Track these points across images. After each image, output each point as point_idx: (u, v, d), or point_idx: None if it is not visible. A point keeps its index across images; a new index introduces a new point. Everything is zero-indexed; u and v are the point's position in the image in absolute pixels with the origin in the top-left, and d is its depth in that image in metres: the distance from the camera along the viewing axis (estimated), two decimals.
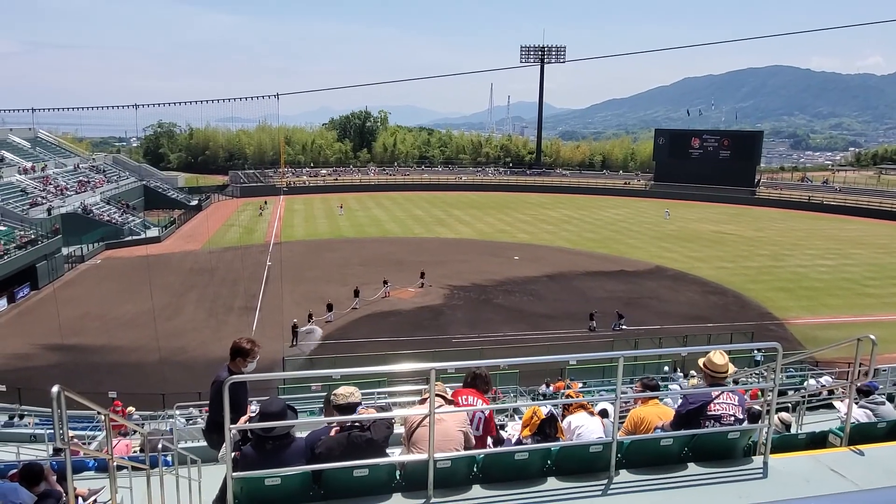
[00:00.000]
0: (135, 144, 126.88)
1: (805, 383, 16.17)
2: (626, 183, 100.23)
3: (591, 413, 5.70)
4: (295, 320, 31.89)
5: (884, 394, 10.17)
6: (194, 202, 77.67)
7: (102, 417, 7.96)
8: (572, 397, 6.06)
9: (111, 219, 58.49)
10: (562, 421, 5.60)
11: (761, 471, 4.84)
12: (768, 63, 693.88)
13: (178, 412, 16.47)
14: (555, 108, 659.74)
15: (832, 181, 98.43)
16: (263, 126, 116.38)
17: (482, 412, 5.15)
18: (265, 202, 76.80)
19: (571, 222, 67.73)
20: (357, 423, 4.49)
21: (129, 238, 55.64)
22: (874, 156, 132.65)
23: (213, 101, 57.32)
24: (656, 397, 6.09)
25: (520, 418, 6.07)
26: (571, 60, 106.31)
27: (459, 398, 5.22)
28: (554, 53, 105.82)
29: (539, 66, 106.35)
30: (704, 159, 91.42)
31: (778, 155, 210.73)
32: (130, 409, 17.74)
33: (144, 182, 79.38)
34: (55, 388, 3.86)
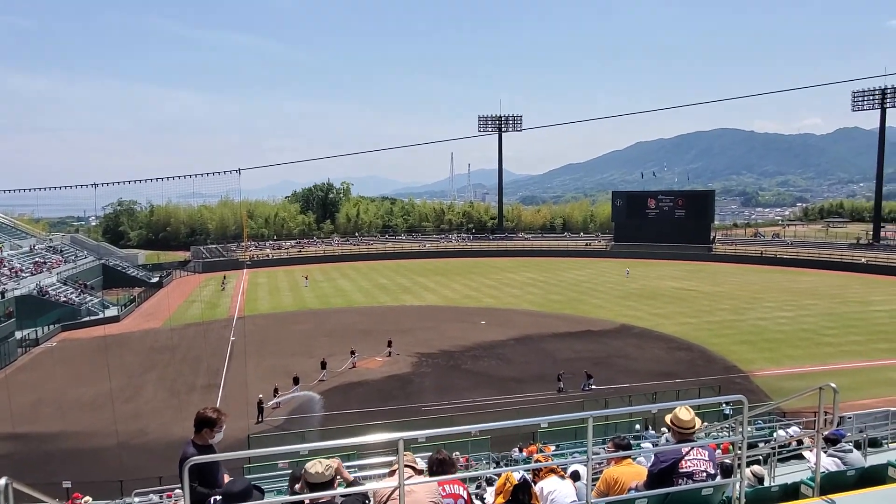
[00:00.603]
0: (94, 223, 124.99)
1: (774, 434, 16.25)
2: (587, 244, 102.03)
3: (563, 476, 5.64)
4: (260, 395, 31.03)
5: (850, 441, 10.28)
6: (155, 279, 76.24)
7: None
8: (541, 461, 6.01)
9: (68, 299, 56.91)
10: (534, 486, 5.52)
11: None
12: (714, 126, 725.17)
13: (136, 499, 15.70)
14: (514, 174, 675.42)
15: (783, 235, 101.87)
16: (226, 201, 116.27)
17: (462, 497, 5.03)
18: (224, 277, 75.77)
19: (536, 285, 68.27)
20: (329, 501, 4.36)
21: (87, 318, 54.08)
22: (821, 210, 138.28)
23: (174, 177, 56.95)
24: (629, 457, 6.05)
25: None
26: (528, 128, 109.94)
27: (444, 488, 5.02)
28: (511, 122, 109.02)
29: (497, 135, 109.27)
30: (661, 219, 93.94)
31: (730, 212, 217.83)
32: (87, 498, 16.85)
33: (103, 261, 77.89)
34: (2, 481, 3.67)
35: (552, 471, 5.63)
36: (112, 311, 56.68)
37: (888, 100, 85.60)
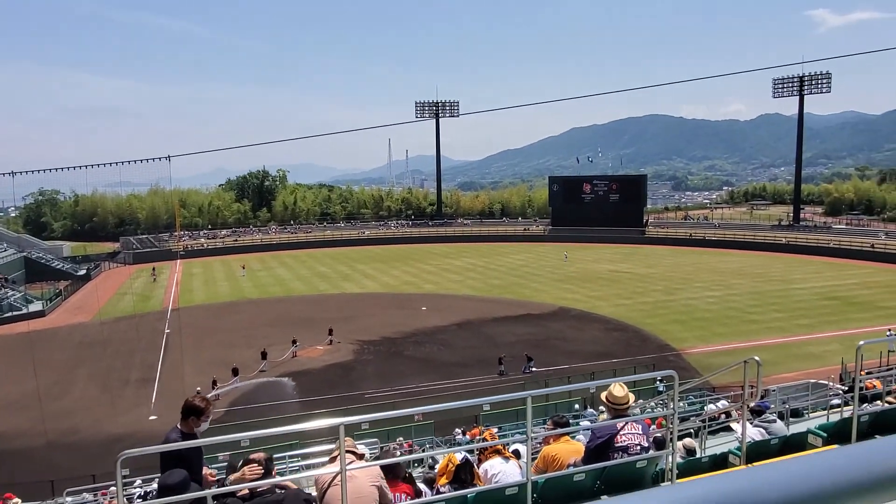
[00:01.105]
0: (13, 214, 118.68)
1: (704, 408, 16.97)
2: (525, 229, 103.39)
3: (507, 457, 5.74)
4: (198, 388, 30.30)
5: (774, 412, 10.86)
6: (82, 272, 73.06)
7: None
8: (488, 440, 6.11)
9: None
10: (478, 468, 5.62)
11: None
12: (645, 112, 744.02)
13: (69, 499, 15.16)
14: (452, 160, 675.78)
15: (711, 218, 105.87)
16: (156, 189, 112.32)
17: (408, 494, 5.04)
18: (153, 269, 72.88)
19: (476, 270, 68.86)
20: (268, 491, 4.33)
21: (9, 314, 51.41)
22: (745, 193, 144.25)
23: (99, 165, 54.63)
24: (566, 434, 6.22)
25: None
26: (465, 114, 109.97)
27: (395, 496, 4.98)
28: (448, 108, 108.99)
29: (434, 121, 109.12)
30: (596, 203, 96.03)
31: (661, 196, 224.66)
32: (16, 500, 16.12)
33: (25, 253, 74.15)
34: None
35: (497, 451, 5.73)
36: (36, 306, 54.11)
37: (806, 87, 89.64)
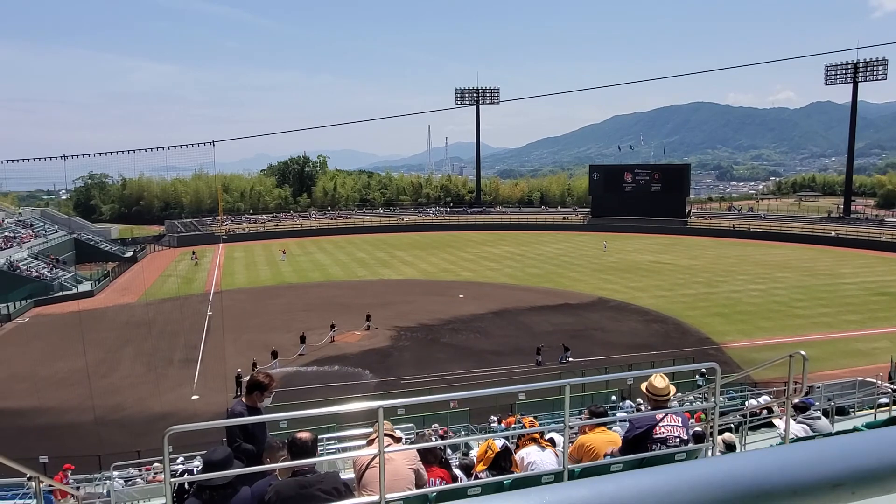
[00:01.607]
0: (64, 197, 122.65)
1: (745, 403, 16.67)
2: (564, 218, 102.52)
3: (543, 446, 5.71)
4: (239, 370, 30.99)
5: (819, 410, 10.59)
6: (129, 254, 75.21)
7: (33, 483, 7.51)
8: (526, 427, 6.09)
9: (40, 274, 56.03)
10: (515, 455, 5.62)
11: None
12: (690, 100, 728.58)
13: (115, 473, 15.67)
14: (492, 147, 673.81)
15: (757, 209, 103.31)
16: (200, 174, 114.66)
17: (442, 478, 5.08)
18: (193, 252, 73.59)
19: (514, 258, 68.62)
20: (308, 470, 4.39)
21: (60, 294, 53.28)
22: (793, 184, 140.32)
23: (146, 150, 55.99)
24: (603, 424, 6.17)
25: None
26: (505, 101, 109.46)
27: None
28: (488, 95, 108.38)
29: (475, 108, 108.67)
30: (637, 192, 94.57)
31: (705, 186, 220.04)
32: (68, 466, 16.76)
33: (75, 235, 76.59)
34: None
35: (532, 439, 5.71)
36: (86, 286, 55.89)
37: (860, 74, 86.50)
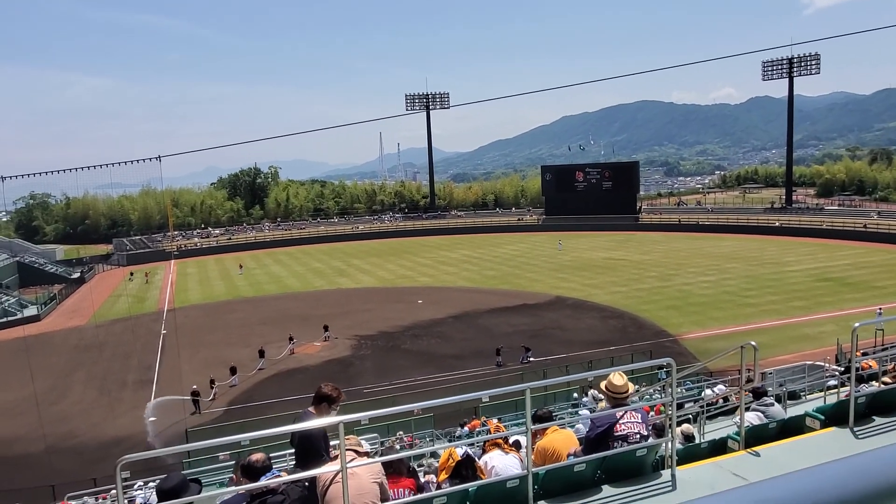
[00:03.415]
0: (4, 219, 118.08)
1: (702, 394, 17.07)
2: (519, 219, 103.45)
3: (506, 451, 5.73)
4: (195, 387, 30.35)
5: (772, 395, 10.91)
6: (76, 274, 72.82)
7: None
8: (491, 431, 6.13)
9: None
10: (479, 460, 5.62)
11: (670, 483, 5.05)
12: (636, 99, 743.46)
13: (71, 503, 15.15)
14: (444, 152, 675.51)
15: (704, 203, 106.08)
16: (148, 190, 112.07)
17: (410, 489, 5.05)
18: (131, 273, 71.10)
19: (471, 261, 68.89)
20: (269, 490, 4.33)
21: (4, 320, 51.25)
22: (738, 177, 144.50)
23: (89, 167, 54.19)
24: (552, 426, 6.24)
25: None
26: (455, 105, 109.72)
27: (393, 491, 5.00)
28: (438, 100, 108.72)
29: (425, 113, 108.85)
30: (589, 191, 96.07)
31: (654, 182, 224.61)
32: None
33: (18, 258, 73.87)
34: None
35: (496, 444, 5.73)
36: (31, 311, 53.92)
37: (795, 69, 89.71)
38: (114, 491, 17.54)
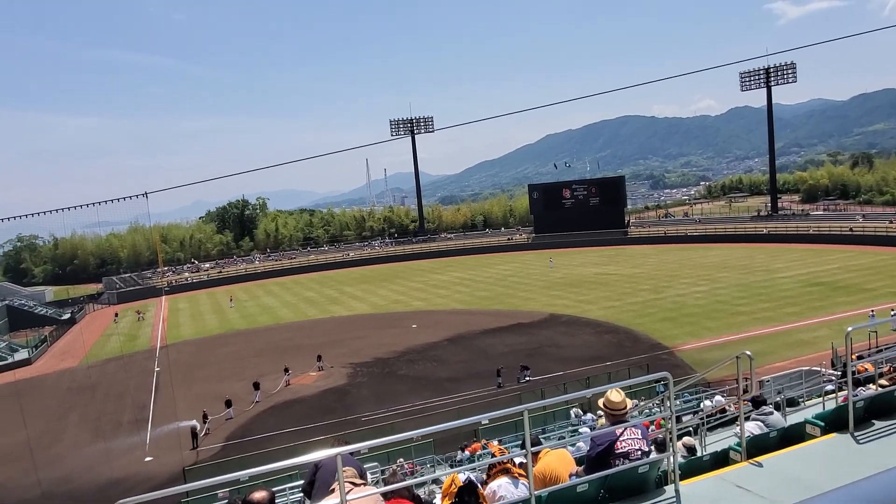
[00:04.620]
0: None
1: (701, 405, 17.05)
2: (508, 239, 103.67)
3: (516, 477, 5.44)
4: (194, 421, 30.04)
5: (770, 403, 10.91)
6: (66, 316, 72.14)
7: None
8: (495, 454, 6.02)
9: None
10: (485, 488, 5.48)
11: (674, 499, 5.03)
12: (618, 115, 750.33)
13: None
14: (431, 175, 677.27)
15: (691, 214, 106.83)
16: (136, 227, 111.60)
17: None
18: (116, 315, 69.63)
19: (463, 283, 68.84)
20: None
21: None
22: (723, 187, 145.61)
23: (76, 207, 53.92)
24: (543, 449, 6.07)
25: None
26: (440, 129, 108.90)
27: None
28: (423, 124, 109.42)
29: (410, 138, 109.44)
30: (577, 207, 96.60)
31: (641, 196, 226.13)
32: None
33: (6, 302, 73.12)
34: None
35: (505, 470, 5.49)
36: (22, 354, 53.23)
37: (772, 78, 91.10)
38: None
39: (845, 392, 7.77)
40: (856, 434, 5.97)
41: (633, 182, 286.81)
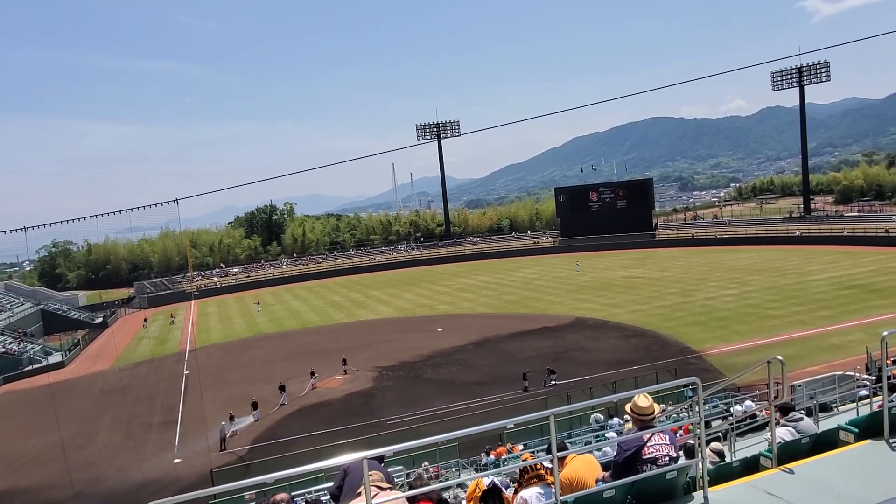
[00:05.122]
0: (28, 268, 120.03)
1: (731, 410, 16.75)
2: (535, 242, 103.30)
3: (549, 485, 5.26)
4: (224, 422, 30.41)
5: (802, 409, 10.67)
6: (99, 319, 73.61)
7: None
8: (526, 459, 5.93)
9: (7, 350, 54.39)
10: (515, 494, 5.42)
11: None
12: (645, 116, 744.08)
13: None
14: (457, 179, 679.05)
15: (721, 216, 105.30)
16: (167, 232, 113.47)
17: None
18: (145, 320, 70.93)
19: (489, 287, 68.70)
20: None
21: (30, 367, 51.75)
22: (753, 188, 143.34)
23: (109, 213, 55.09)
24: (570, 454, 5.88)
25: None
26: (466, 133, 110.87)
27: None
28: (449, 128, 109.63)
29: (437, 142, 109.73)
30: (604, 210, 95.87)
31: (669, 198, 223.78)
32: None
33: (42, 306, 74.81)
34: None
35: (538, 476, 5.35)
36: (56, 358, 54.44)
37: (805, 77, 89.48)
38: None
39: (880, 397, 7.56)
40: (891, 441, 5.79)
41: (661, 184, 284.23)
